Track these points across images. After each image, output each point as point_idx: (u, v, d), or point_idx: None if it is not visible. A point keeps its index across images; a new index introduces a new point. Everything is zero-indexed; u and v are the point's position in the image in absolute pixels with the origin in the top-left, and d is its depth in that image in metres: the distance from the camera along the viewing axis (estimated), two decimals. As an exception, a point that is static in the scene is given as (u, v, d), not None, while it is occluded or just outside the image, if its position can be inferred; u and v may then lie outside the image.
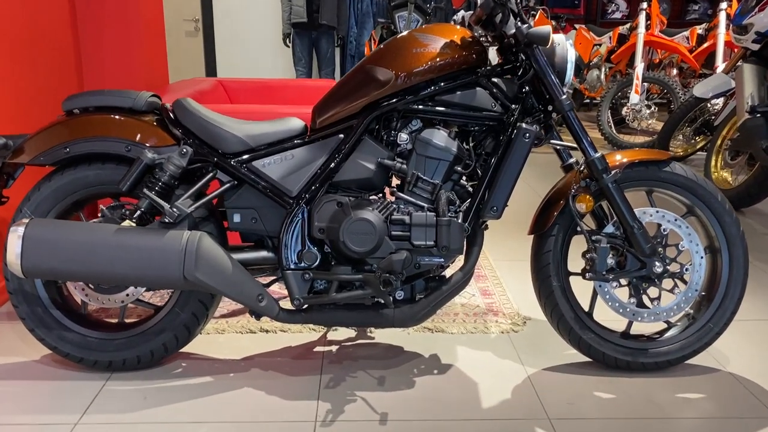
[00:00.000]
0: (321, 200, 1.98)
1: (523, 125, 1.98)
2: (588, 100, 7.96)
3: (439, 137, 1.99)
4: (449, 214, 1.96)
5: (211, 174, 2.02)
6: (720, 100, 5.20)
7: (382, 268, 1.90)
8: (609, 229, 2.11)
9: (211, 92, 3.85)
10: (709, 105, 5.42)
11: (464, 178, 2.06)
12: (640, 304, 2.14)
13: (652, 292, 2.13)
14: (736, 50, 5.47)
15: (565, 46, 2.04)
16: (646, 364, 2.14)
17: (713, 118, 5.24)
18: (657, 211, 2.11)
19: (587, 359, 2.19)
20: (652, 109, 6.23)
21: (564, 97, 2.01)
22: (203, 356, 2.24)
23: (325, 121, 2.06)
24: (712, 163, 4.48)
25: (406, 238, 1.94)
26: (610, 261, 2.10)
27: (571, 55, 2.07)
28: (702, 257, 2.12)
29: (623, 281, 2.14)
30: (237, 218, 2.05)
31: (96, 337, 2.09)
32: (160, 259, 1.84)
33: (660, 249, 2.11)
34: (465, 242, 2.00)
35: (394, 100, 1.99)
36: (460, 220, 1.95)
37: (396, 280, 1.90)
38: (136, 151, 1.99)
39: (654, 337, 2.19)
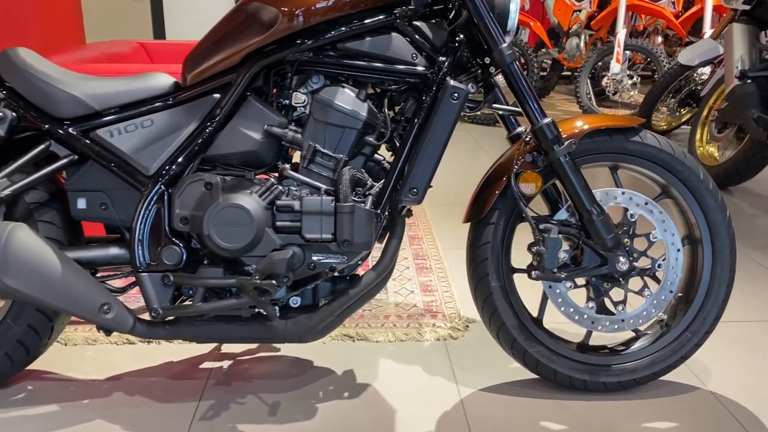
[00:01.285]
0: (185, 180, 1.52)
1: (451, 82, 1.52)
2: (569, 72, 7.49)
3: (344, 98, 1.53)
4: (355, 198, 1.51)
5: (42, 146, 1.55)
6: (707, 69, 4.75)
7: (260, 271, 1.45)
8: (562, 215, 1.66)
9: (132, 55, 3.36)
10: (695, 74, 4.98)
11: (380, 151, 1.61)
12: (602, 310, 1.71)
13: (617, 294, 1.69)
14: (724, 15, 5.02)
15: None
16: (607, 383, 1.71)
17: (699, 88, 4.80)
18: (623, 193, 1.67)
19: (536, 376, 1.76)
20: (635, 79, 5.77)
21: (505, 45, 1.56)
22: (59, 376, 1.79)
23: (198, 77, 1.59)
24: (697, 136, 4.05)
25: (296, 230, 1.49)
26: (563, 256, 1.66)
27: (515, -3, 1.61)
28: (679, 250, 1.68)
29: (580, 281, 1.70)
30: (82, 203, 1.59)
31: None
32: (-46, 260, 1.38)
33: (626, 240, 1.67)
34: (377, 234, 1.55)
35: (283, 48, 1.52)
36: (368, 206, 1.49)
37: (277, 286, 1.45)
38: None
39: (618, 350, 1.75)
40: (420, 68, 1.55)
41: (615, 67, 5.69)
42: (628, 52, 5.74)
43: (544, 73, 7.15)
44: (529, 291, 1.78)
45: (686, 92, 5.08)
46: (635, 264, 1.66)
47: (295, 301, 1.59)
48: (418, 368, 1.86)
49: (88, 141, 1.54)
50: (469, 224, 1.73)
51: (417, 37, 1.55)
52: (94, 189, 1.58)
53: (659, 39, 6.48)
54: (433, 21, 1.60)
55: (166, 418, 1.62)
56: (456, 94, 1.52)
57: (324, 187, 1.51)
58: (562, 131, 1.63)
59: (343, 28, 1.52)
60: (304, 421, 1.61)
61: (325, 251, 1.50)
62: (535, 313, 1.74)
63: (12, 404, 1.66)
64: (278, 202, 1.49)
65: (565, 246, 1.66)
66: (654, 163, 1.68)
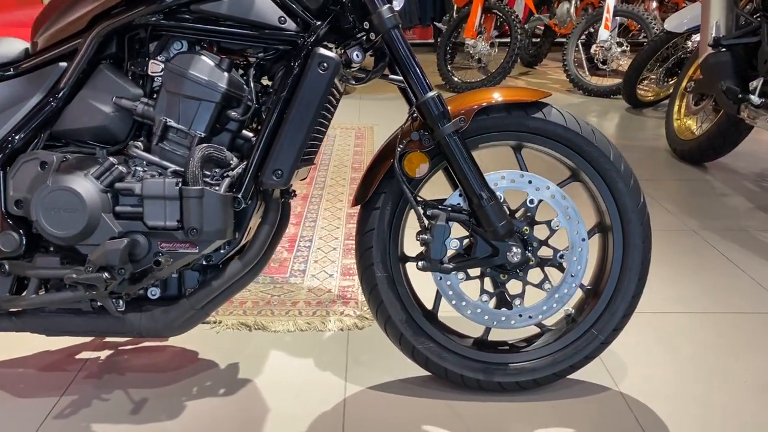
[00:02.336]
0: (20, 159, 1.37)
1: (319, 50, 1.35)
2: (563, 39, 7.22)
3: (200, 66, 1.37)
4: (209, 180, 1.35)
5: None
6: (698, 36, 4.51)
7: (93, 262, 1.31)
8: (454, 200, 1.50)
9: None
10: (686, 42, 4.72)
11: (247, 128, 1.45)
12: (500, 303, 1.56)
13: (515, 286, 1.53)
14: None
15: None
16: (503, 384, 1.56)
17: (689, 56, 4.55)
18: (522, 176, 1.50)
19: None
20: (624, 47, 5.51)
21: (384, 8, 1.38)
22: None
23: (45, 42, 1.44)
24: (675, 108, 3.83)
25: (138, 216, 1.34)
26: (455, 244, 1.51)
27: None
28: (584, 239, 1.52)
29: (474, 272, 1.54)
30: None
31: None
32: None
33: (525, 228, 1.50)
34: (247, 221, 1.40)
35: (129, 10, 1.36)
36: (222, 190, 1.34)
37: (111, 278, 1.30)
38: None
39: (519, 347, 1.60)
40: (289, 33, 1.38)
41: (603, 34, 5.43)
42: (618, 18, 5.48)
43: (537, 40, 6.88)
44: (428, 281, 1.63)
45: (674, 61, 4.83)
46: (532, 254, 1.50)
47: (153, 293, 1.45)
48: (311, 362, 1.72)
49: None
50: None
51: (285, -3, 1.38)
52: (-70, 167, 1.44)
53: (654, 4, 6.18)
54: (307, -22, 1.42)
55: (18, 414, 1.50)
56: (325, 64, 1.36)
57: (172, 167, 1.36)
58: (455, 107, 1.47)
59: (194, -13, 1.35)
60: (165, 421, 1.49)
61: (172, 240, 1.36)
62: (432, 305, 1.59)
63: None
64: (118, 185, 1.34)
65: (460, 234, 1.50)
66: (558, 143, 1.50)
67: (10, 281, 1.40)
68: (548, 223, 1.52)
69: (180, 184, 1.32)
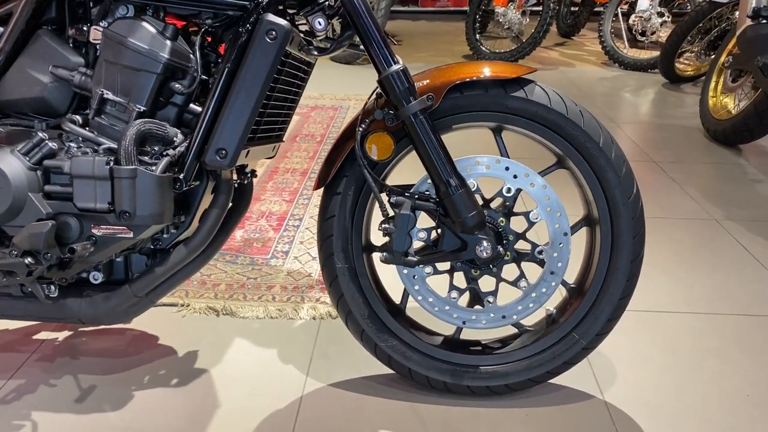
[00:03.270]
0: (-51, 132, 1.28)
1: (267, 16, 1.22)
2: (601, 7, 6.86)
3: (140, 33, 1.25)
4: (146, 159, 1.24)
5: None
6: (743, 6, 4.19)
7: (17, 246, 1.21)
8: (422, 186, 1.36)
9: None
10: (732, 13, 4.40)
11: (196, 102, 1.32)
12: (474, 300, 1.42)
13: (489, 283, 1.39)
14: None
15: None
16: (473, 387, 1.43)
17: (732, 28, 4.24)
18: (498, 161, 1.34)
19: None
20: (665, 17, 5.18)
21: (343, -31, 1.23)
22: None
23: (-18, 7, 1.33)
24: (711, 85, 3.56)
25: (69, 196, 1.24)
26: (423, 235, 1.37)
27: None
28: (566, 234, 1.36)
29: (443, 266, 1.40)
30: None
31: None
32: None
33: (501, 220, 1.36)
34: (171, 204, 1.27)
35: (64, -29, 1.24)
36: (159, 170, 1.22)
37: (35, 263, 1.21)
38: None
39: (493, 348, 1.47)
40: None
41: (643, 3, 5.13)
42: (660, -14, 5.16)
43: (575, 9, 6.56)
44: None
45: (717, 33, 4.51)
46: (506, 249, 1.36)
47: (95, 277, 1.36)
48: (274, 353, 1.62)
49: None
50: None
51: (235, -43, 1.24)
52: None
53: (701, -28, 5.78)
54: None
55: (-39, 398, 1.44)
56: (273, 32, 1.22)
57: (107, 144, 1.25)
58: (426, 82, 1.32)
59: (131, -53, 1.22)
60: (108, 412, 1.41)
61: (105, 223, 1.25)
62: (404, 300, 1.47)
63: None
64: (47, 163, 1.24)
65: (426, 224, 1.36)
66: (541, 125, 1.34)
67: (-56, 260, 1.32)
68: (526, 214, 1.36)
69: (112, 163, 1.21)
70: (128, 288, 1.34)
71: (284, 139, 1.53)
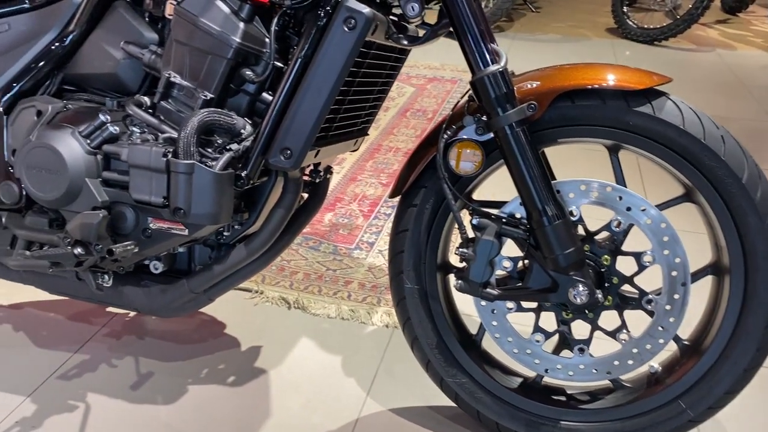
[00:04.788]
0: (20, 105, 1.24)
1: (348, 2, 1.05)
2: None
3: (213, 13, 1.13)
4: (208, 152, 1.13)
5: None
6: None
7: (70, 233, 1.16)
8: (513, 207, 1.16)
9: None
10: None
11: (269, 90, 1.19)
12: (561, 345, 1.21)
13: (582, 327, 1.18)
14: None
15: None
16: (548, 444, 1.24)
17: None
18: (610, 188, 1.11)
19: (467, 408, 1.33)
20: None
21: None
22: (-29, 292, 1.69)
23: (64, -27, 1.27)
24: None
25: (126, 185, 1.16)
26: (507, 265, 1.18)
27: None
28: (685, 284, 1.11)
29: (527, 303, 1.20)
30: (-56, 118, 1.38)
31: None
32: None
33: (605, 257, 1.13)
34: (231, 203, 1.15)
35: (141, -59, 1.14)
36: (219, 166, 1.11)
37: (85, 254, 1.14)
38: None
39: (580, 401, 1.25)
40: (321, -22, 1.09)
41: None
42: None
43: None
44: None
45: None
46: (606, 295, 1.13)
47: (156, 266, 1.29)
48: (338, 361, 1.50)
49: (-65, 46, 1.31)
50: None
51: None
52: (-48, 102, 1.36)
53: None
54: None
55: (28, 364, 1.45)
56: (353, 20, 1.05)
57: (168, 133, 1.15)
58: (532, 86, 1.11)
59: None
60: (159, 405, 1.36)
61: (160, 217, 1.17)
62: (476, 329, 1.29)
63: None
64: (107, 147, 1.16)
65: (513, 251, 1.16)
66: (669, 149, 1.09)
67: (10, 234, 1.30)
68: (638, 255, 1.12)
69: (170, 155, 1.11)
70: (185, 283, 1.26)
71: (366, 134, 1.38)
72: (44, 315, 1.61)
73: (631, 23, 4.86)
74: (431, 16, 1.13)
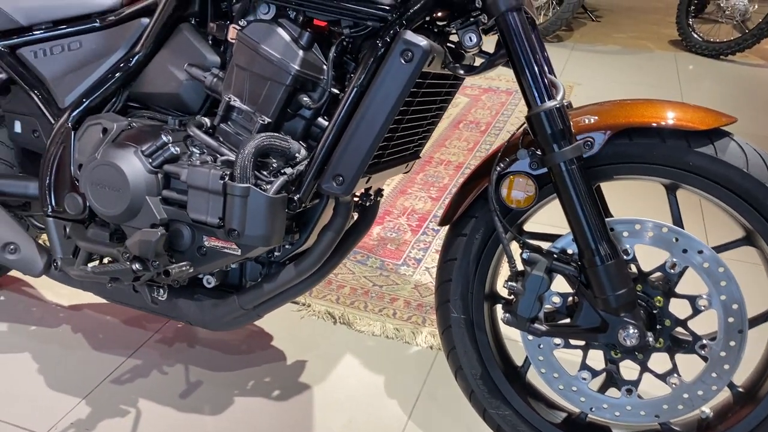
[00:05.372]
0: (87, 122, 1.29)
1: (406, 34, 1.06)
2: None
3: (274, 40, 1.15)
4: (263, 175, 1.15)
5: (-30, 60, 1.41)
6: None
7: (129, 249, 1.20)
8: (566, 242, 1.14)
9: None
10: None
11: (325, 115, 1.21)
12: (608, 384, 1.19)
13: (630, 368, 1.15)
14: None
15: None
16: (591, 483, 1.22)
17: None
18: (666, 230, 1.08)
19: (508, 438, 1.32)
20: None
21: (503, -17, 1.03)
22: (32, 291, 1.77)
23: (133, -5, 1.31)
24: None
25: (184, 204, 1.19)
26: (555, 300, 1.16)
27: None
28: (741, 331, 1.08)
29: (574, 340, 1.18)
30: (17, 126, 1.45)
31: None
32: None
33: (658, 298, 1.11)
34: (284, 225, 1.17)
35: (207, -32, 1.17)
36: (274, 189, 1.13)
37: (142, 270, 1.18)
38: None
39: (624, 442, 1.23)
40: (382, 5, 1.10)
41: None
42: None
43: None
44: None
45: None
46: (657, 338, 1.11)
47: (209, 281, 1.32)
48: (381, 381, 1.51)
49: (13, 60, 1.37)
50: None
51: (382, -39, 1.09)
52: (26, 113, 1.43)
53: None
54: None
55: (83, 368, 1.51)
56: (410, 53, 1.06)
57: (226, 156, 1.18)
58: (590, 120, 1.09)
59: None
60: (206, 415, 1.40)
61: (215, 236, 1.20)
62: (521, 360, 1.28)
63: (-22, 313, 1.68)
64: (167, 167, 1.19)
65: (563, 286, 1.15)
66: (730, 192, 1.06)
67: (73, 244, 1.36)
68: (692, 299, 1.10)
69: (227, 178, 1.14)
70: (236, 299, 1.29)
71: (418, 157, 1.38)
72: (101, 318, 1.68)
73: (696, 36, 4.72)
74: (489, 43, 1.13)
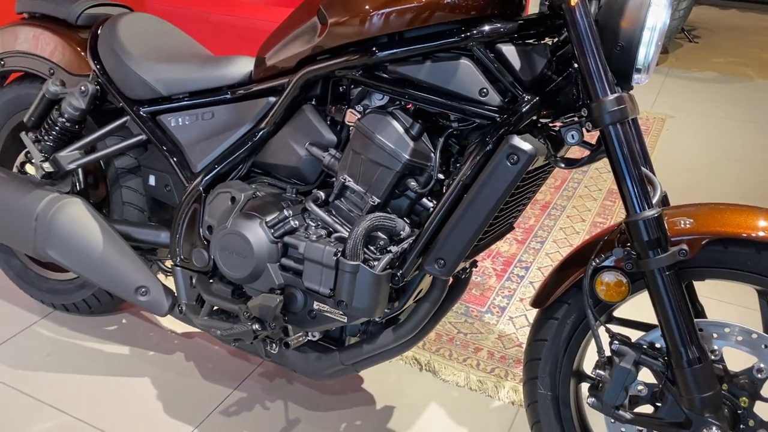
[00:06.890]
0: (217, 189, 1.44)
1: (512, 139, 1.14)
2: None
3: (388, 131, 1.26)
4: (371, 252, 1.27)
5: (120, 121, 1.59)
6: None
7: (250, 309, 1.34)
8: (654, 337, 1.20)
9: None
10: None
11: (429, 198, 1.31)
12: (686, 472, 1.24)
13: (711, 461, 1.20)
14: None
15: None
16: None
17: None
18: (755, 336, 1.13)
19: (585, 507, 1.39)
20: None
21: (610, 99, 1.10)
22: (149, 318, 1.96)
23: (261, 73, 1.45)
24: None
25: (300, 273, 1.33)
26: (642, 389, 1.22)
27: (653, 19, 1.11)
28: (827, 443, 1.11)
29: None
30: (152, 180, 1.63)
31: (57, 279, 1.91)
32: (15, 224, 1.53)
33: (744, 399, 1.15)
34: (386, 299, 1.29)
35: (331, 59, 1.29)
36: (380, 266, 1.25)
37: (261, 330, 1.32)
38: (58, 75, 1.64)
39: None
40: (490, 108, 1.19)
41: None
42: None
43: None
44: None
45: None
46: (739, 440, 1.15)
47: (314, 334, 1.46)
48: (463, 433, 1.61)
49: (153, 124, 1.54)
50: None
51: (495, 66, 1.18)
52: (160, 169, 1.60)
53: None
54: (529, 44, 1.20)
55: (193, 398, 1.67)
56: (515, 156, 1.14)
57: (339, 232, 1.30)
58: (685, 225, 1.14)
59: (396, 49, 1.21)
60: (302, 455, 1.53)
61: (325, 303, 1.32)
62: (600, 436, 1.35)
63: (100, 329, 1.88)
64: (287, 239, 1.33)
65: (649, 376, 1.21)
66: (825, 308, 1.09)
67: (197, 293, 1.52)
68: (778, 405, 1.14)
69: (339, 254, 1.26)
70: (338, 355, 1.42)
71: (512, 228, 1.46)
72: (210, 347, 1.85)
73: (801, 66, 4.53)
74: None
